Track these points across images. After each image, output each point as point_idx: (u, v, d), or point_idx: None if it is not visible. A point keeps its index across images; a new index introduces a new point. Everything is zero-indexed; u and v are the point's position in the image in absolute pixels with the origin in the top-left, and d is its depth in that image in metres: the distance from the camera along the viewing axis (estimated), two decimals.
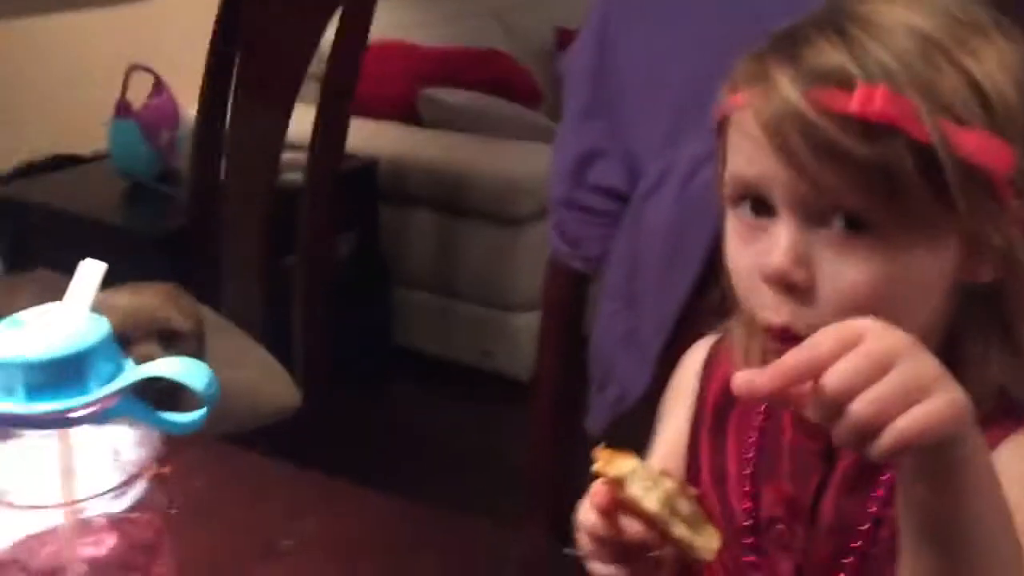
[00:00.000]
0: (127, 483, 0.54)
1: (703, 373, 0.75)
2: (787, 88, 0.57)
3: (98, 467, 0.54)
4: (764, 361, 0.65)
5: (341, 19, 1.54)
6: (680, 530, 0.60)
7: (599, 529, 0.63)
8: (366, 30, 1.55)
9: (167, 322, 1.28)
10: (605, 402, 1.23)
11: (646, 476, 0.61)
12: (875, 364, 0.49)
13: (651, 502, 0.60)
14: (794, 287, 0.59)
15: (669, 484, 0.61)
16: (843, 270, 0.58)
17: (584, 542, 0.65)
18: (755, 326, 0.63)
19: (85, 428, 0.52)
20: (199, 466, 0.73)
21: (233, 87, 1.70)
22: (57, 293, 1.34)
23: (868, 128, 0.55)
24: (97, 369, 0.51)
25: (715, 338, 0.77)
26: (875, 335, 0.50)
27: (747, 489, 0.69)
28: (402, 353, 2.57)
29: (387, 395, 2.56)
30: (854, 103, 0.55)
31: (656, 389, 0.86)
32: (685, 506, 0.61)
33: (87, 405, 0.50)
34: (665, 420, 0.78)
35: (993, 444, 0.61)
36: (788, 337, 0.60)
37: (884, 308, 0.57)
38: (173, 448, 0.75)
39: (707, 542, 0.60)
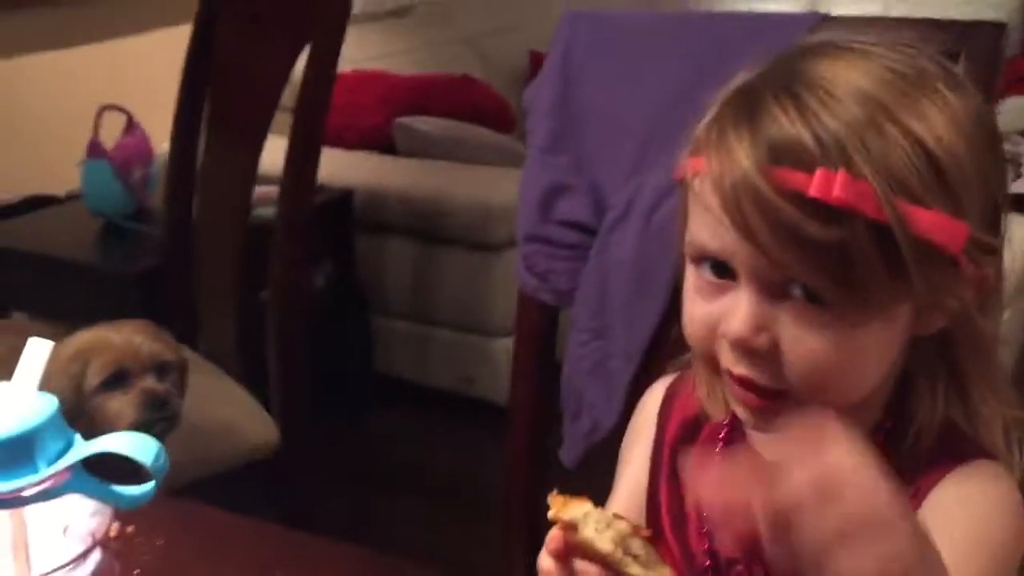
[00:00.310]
0: (82, 555, 0.54)
1: (660, 414, 0.76)
2: (744, 161, 0.57)
3: (51, 541, 0.53)
4: (727, 404, 0.66)
5: (310, 53, 1.54)
6: (634, 569, 0.61)
7: (556, 574, 0.63)
8: (335, 63, 1.55)
9: (158, 356, 1.31)
10: (579, 433, 1.23)
11: (599, 519, 0.62)
12: (855, 531, 0.47)
13: (604, 543, 0.61)
14: (755, 352, 0.60)
15: (622, 525, 0.62)
16: (804, 338, 0.59)
17: None
18: (717, 365, 0.64)
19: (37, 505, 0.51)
20: (161, 524, 0.73)
21: (204, 122, 1.70)
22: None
23: (827, 211, 0.56)
24: (46, 447, 0.51)
25: (672, 377, 0.78)
26: (857, 493, 0.47)
27: (705, 530, 0.70)
28: (383, 380, 2.57)
29: (369, 422, 2.56)
30: (813, 188, 0.56)
31: (627, 420, 0.87)
32: (638, 546, 0.62)
33: (38, 483, 0.50)
34: (624, 462, 0.79)
35: (933, 483, 0.62)
36: (750, 386, 0.62)
37: (843, 372, 0.60)
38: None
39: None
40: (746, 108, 0.59)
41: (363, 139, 2.60)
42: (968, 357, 0.64)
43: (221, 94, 1.69)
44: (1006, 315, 2.31)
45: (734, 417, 0.68)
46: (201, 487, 1.54)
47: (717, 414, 0.69)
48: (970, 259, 0.60)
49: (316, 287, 2.50)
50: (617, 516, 0.62)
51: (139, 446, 0.53)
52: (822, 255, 0.56)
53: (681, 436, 0.74)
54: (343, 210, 2.37)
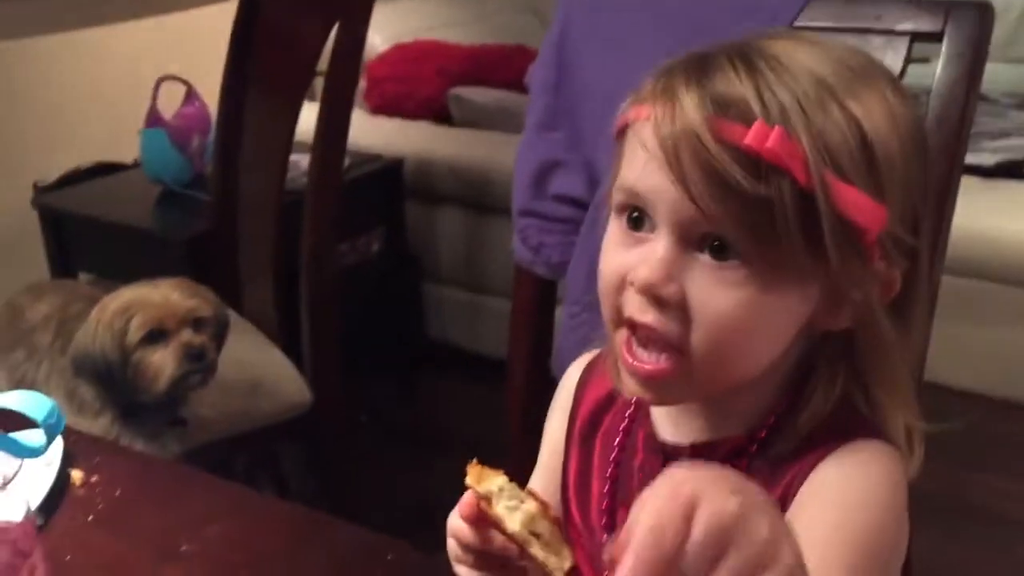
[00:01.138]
0: None
1: (578, 388, 0.78)
2: (691, 110, 0.59)
3: None
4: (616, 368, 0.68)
5: (339, 28, 1.60)
6: (536, 550, 0.64)
7: (467, 536, 0.67)
8: (362, 38, 1.61)
9: (195, 311, 1.39)
10: None
11: (512, 495, 0.65)
12: (714, 542, 0.44)
13: (513, 522, 0.64)
14: (662, 300, 0.61)
15: (532, 506, 0.64)
16: (713, 293, 0.60)
17: (452, 547, 0.69)
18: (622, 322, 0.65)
19: None
20: (121, 477, 0.79)
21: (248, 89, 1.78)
22: (81, 300, 1.43)
23: (759, 165, 0.58)
24: None
25: (593, 354, 0.80)
26: (708, 501, 0.44)
27: (605, 506, 0.72)
28: (435, 346, 2.63)
29: (420, 387, 2.64)
30: (749, 137, 0.58)
31: None
32: (544, 527, 0.64)
33: None
34: (545, 432, 0.82)
35: (819, 459, 0.63)
36: (641, 331, 0.63)
37: (745, 335, 0.61)
38: (102, 460, 0.82)
39: (560, 563, 0.63)
40: (698, 65, 0.61)
41: (421, 109, 2.65)
42: (869, 359, 0.65)
43: (263, 64, 1.76)
44: None
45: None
46: (237, 442, 1.63)
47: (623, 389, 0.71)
48: (883, 254, 0.61)
49: (371, 253, 2.58)
50: (531, 493, 0.65)
51: (32, 404, 0.59)
52: (747, 208, 0.58)
53: (594, 412, 0.77)
54: (394, 178, 2.43)
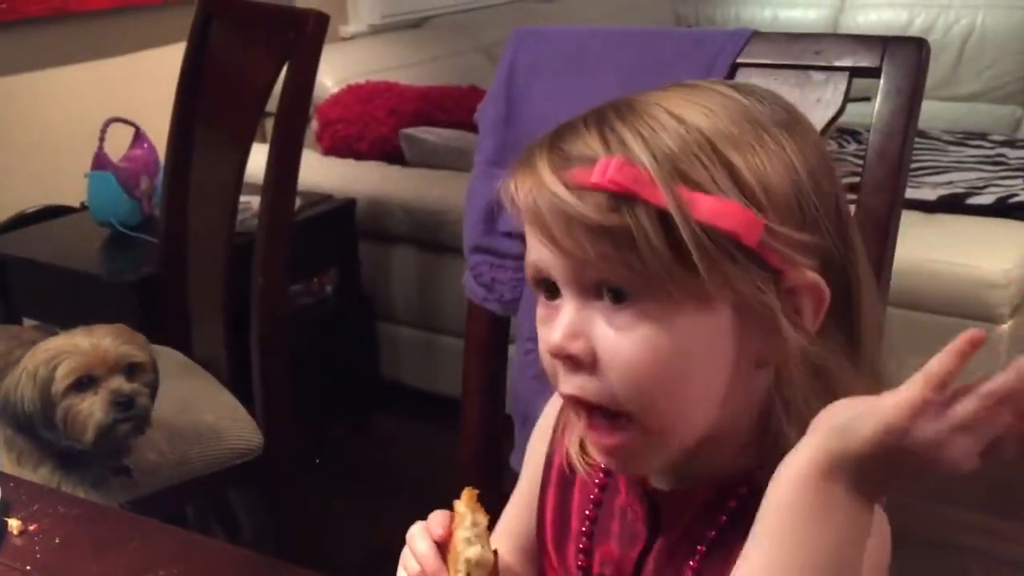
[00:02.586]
0: None
1: (555, 427, 0.76)
2: (543, 170, 0.60)
3: None
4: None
5: (288, 68, 1.60)
6: None
7: (424, 549, 0.68)
8: (311, 78, 1.61)
9: (127, 357, 1.36)
10: (528, 439, 1.26)
11: (479, 535, 0.66)
12: None
13: (463, 550, 0.65)
14: (576, 360, 0.61)
15: (488, 556, 0.65)
16: (618, 341, 0.59)
17: (411, 571, 0.69)
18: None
19: None
20: (61, 524, 0.77)
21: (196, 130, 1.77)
22: (25, 346, 1.39)
23: (610, 198, 0.58)
24: None
25: None
26: None
27: (582, 546, 0.71)
28: (389, 386, 2.61)
29: (375, 427, 2.61)
30: (594, 176, 0.58)
31: None
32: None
33: None
34: (524, 468, 0.81)
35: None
36: (581, 406, 0.62)
37: (665, 378, 0.59)
38: (40, 508, 0.80)
39: None
40: (555, 132, 0.63)
41: (374, 149, 2.65)
42: (825, 380, 0.61)
43: (212, 105, 1.75)
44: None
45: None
46: (187, 488, 1.60)
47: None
48: (779, 257, 0.59)
49: (324, 293, 2.56)
50: (495, 551, 0.66)
51: None
52: (612, 244, 0.58)
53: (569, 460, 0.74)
54: (347, 219, 2.43)
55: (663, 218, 0.57)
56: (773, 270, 0.59)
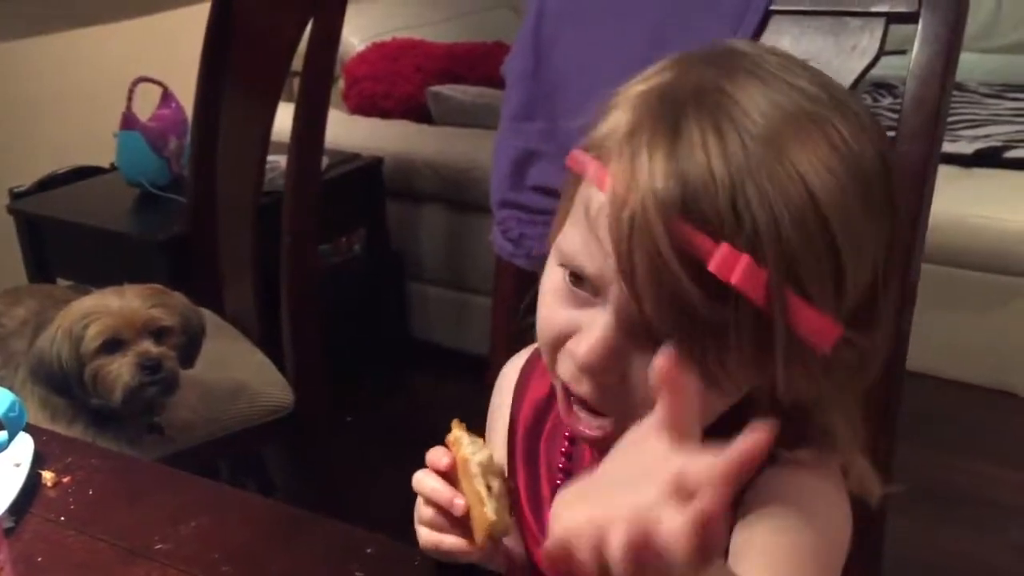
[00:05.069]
0: None
1: (516, 392, 0.75)
2: (649, 197, 0.53)
3: None
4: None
5: (313, 26, 1.59)
6: (480, 486, 0.64)
7: (432, 485, 0.66)
8: (336, 36, 1.59)
9: (155, 321, 1.36)
10: None
11: (480, 448, 0.66)
12: None
13: (474, 455, 0.65)
14: (599, 381, 0.58)
15: (495, 458, 0.65)
16: (648, 388, 0.55)
17: (426, 516, 0.67)
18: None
19: None
20: (94, 477, 0.78)
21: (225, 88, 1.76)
22: (58, 305, 1.41)
23: (718, 286, 0.53)
24: None
25: (529, 351, 0.77)
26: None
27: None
28: (419, 345, 2.62)
29: (405, 386, 2.62)
30: (714, 264, 0.52)
31: None
32: (497, 485, 0.65)
33: None
34: (490, 435, 0.79)
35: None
36: (570, 393, 0.61)
37: None
38: (74, 461, 0.81)
39: (495, 513, 0.63)
40: (665, 127, 0.55)
41: (400, 108, 2.64)
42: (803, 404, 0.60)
43: (238, 63, 1.74)
44: None
45: None
46: (220, 446, 1.62)
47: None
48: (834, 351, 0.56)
49: (352, 252, 2.56)
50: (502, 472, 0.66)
51: None
52: (700, 328, 0.54)
53: (536, 414, 0.74)
54: (374, 177, 2.42)
55: (760, 317, 0.54)
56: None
